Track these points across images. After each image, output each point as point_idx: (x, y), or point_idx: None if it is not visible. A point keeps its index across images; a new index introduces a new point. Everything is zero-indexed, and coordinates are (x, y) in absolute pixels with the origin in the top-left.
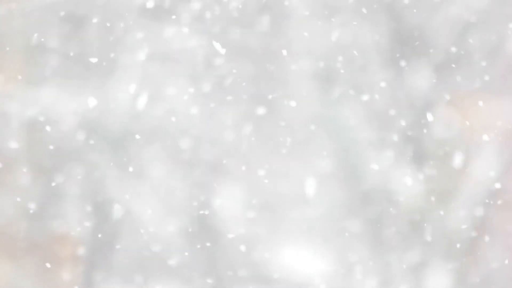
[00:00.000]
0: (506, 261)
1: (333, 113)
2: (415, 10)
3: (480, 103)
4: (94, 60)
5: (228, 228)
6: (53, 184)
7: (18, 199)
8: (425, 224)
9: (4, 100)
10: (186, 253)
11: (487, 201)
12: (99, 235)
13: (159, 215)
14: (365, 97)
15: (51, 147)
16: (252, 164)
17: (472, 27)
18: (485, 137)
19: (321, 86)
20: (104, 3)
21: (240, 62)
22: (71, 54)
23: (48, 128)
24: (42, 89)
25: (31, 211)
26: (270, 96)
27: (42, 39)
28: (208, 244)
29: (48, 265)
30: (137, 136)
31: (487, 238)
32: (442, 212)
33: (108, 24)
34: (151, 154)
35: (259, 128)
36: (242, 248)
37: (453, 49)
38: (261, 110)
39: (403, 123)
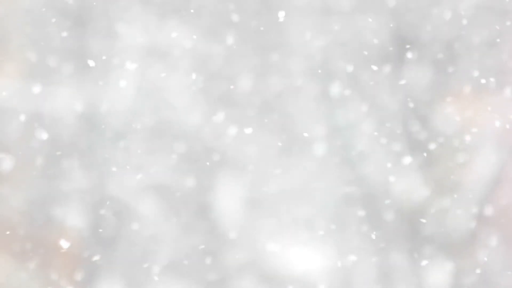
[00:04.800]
0: (506, 258)
1: (332, 109)
2: (413, 7)
3: (479, 99)
4: (92, 56)
5: (228, 226)
6: (53, 180)
7: (17, 196)
8: (424, 220)
9: (1, 96)
10: (186, 251)
11: (486, 197)
12: (100, 232)
13: (159, 212)
14: (364, 94)
15: (50, 143)
16: (252, 160)
17: (470, 24)
18: (484, 134)
19: (319, 83)
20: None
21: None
22: (68, 50)
23: (46, 124)
24: (39, 86)
25: (31, 207)
26: (269, 90)
27: (40, 36)
28: (208, 241)
29: (47, 261)
30: (137, 128)
31: (487, 234)
32: (441, 208)
33: (107, 20)
34: (150, 151)
35: (259, 124)
36: (242, 245)
37: (452, 46)
38: (260, 104)
39: (401, 119)
